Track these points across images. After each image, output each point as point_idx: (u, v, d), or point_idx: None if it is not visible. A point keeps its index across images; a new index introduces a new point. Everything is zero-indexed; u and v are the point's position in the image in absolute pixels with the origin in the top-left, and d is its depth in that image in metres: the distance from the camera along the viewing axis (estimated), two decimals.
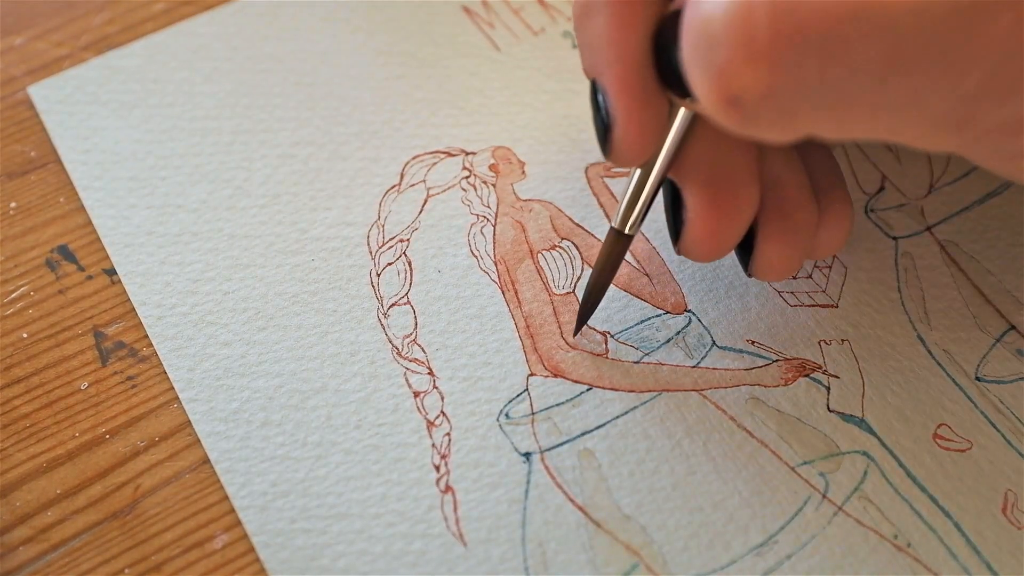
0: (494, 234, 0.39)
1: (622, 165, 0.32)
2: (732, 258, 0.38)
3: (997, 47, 0.24)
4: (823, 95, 0.25)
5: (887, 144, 0.41)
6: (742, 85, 0.25)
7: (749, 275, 0.35)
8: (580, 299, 0.37)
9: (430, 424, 0.35)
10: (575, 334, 0.37)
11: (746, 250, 0.34)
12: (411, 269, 0.39)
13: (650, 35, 0.29)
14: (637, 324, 0.37)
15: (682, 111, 0.31)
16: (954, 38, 0.24)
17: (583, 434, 0.35)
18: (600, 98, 0.30)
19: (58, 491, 0.35)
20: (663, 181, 0.33)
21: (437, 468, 0.35)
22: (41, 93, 0.43)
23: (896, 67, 0.24)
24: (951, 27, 0.23)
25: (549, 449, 0.35)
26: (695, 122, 0.31)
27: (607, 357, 0.36)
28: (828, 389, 0.36)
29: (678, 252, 0.34)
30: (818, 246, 0.35)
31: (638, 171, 0.33)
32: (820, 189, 0.34)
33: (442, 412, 0.36)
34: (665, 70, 0.29)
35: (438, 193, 0.40)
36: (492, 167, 0.41)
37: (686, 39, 0.26)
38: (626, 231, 0.34)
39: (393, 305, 0.38)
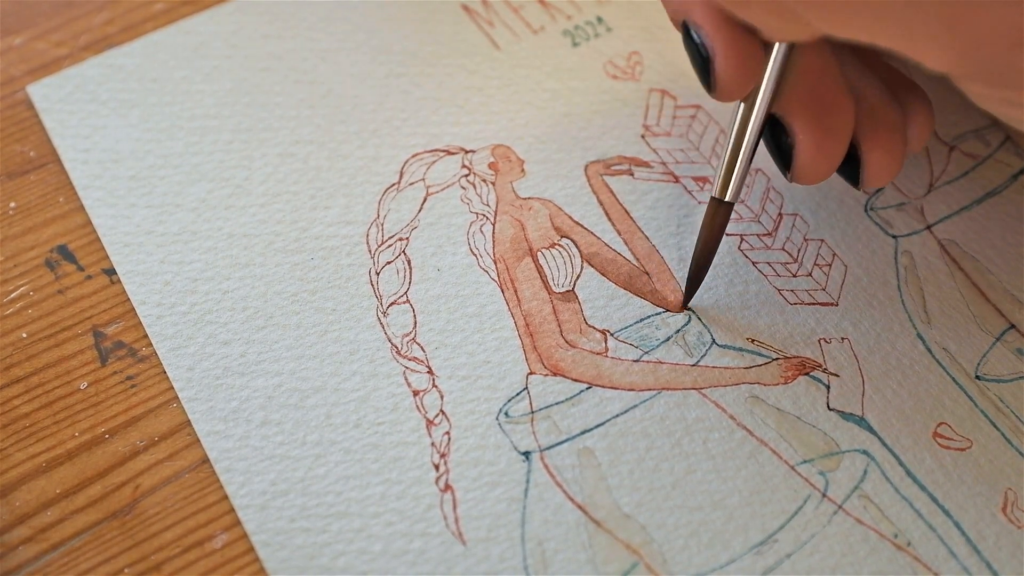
0: (493, 232, 0.39)
1: (726, 98, 0.33)
2: (732, 256, 0.38)
3: None
4: None
5: None
6: None
7: (860, 188, 0.36)
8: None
9: (429, 423, 0.35)
10: (684, 306, 0.38)
11: (849, 166, 0.35)
12: (410, 268, 0.39)
13: None
14: (637, 322, 0.37)
15: (776, 46, 0.32)
16: None
17: (582, 433, 0.35)
18: (695, 35, 0.32)
19: (58, 491, 0.35)
20: (762, 132, 0.34)
21: (436, 467, 0.35)
22: (40, 92, 0.43)
23: None
24: None
25: (548, 448, 0.35)
26: (791, 56, 0.33)
27: (607, 355, 0.36)
28: (828, 387, 0.36)
29: (791, 179, 0.35)
30: (909, 141, 0.36)
31: (732, 139, 0.35)
32: (894, 89, 0.36)
33: (441, 411, 0.36)
34: None
35: (437, 191, 0.40)
36: (491, 165, 0.41)
37: None
38: (727, 199, 0.36)
39: (392, 304, 0.38)
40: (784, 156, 0.35)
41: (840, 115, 0.34)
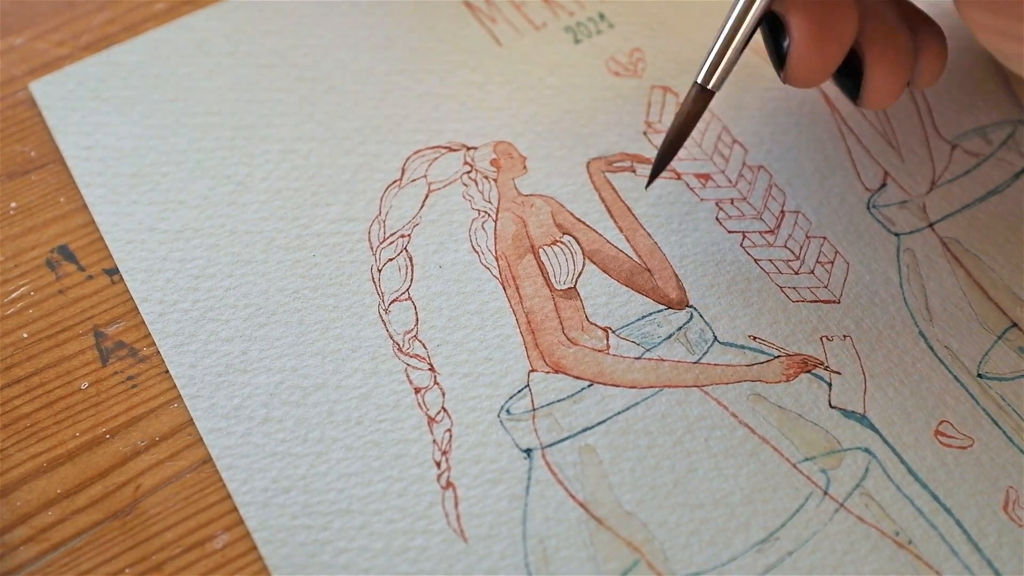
0: (495, 229, 0.39)
1: None
2: (734, 254, 0.38)
3: None
4: None
5: (889, 141, 0.41)
6: None
7: (858, 104, 0.36)
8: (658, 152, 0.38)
9: (431, 420, 0.35)
10: (647, 186, 0.39)
11: (849, 78, 0.36)
12: (412, 265, 0.39)
13: None
14: (638, 320, 0.37)
15: None
16: None
17: (584, 430, 0.35)
18: None
19: (58, 491, 0.35)
20: (759, 24, 0.35)
21: (438, 464, 0.35)
22: (42, 89, 0.43)
23: None
24: None
25: (550, 445, 0.35)
26: None
27: (608, 353, 0.36)
28: (830, 385, 0.36)
29: (785, 79, 0.35)
30: (920, 73, 0.36)
31: (730, 21, 0.35)
32: (910, 21, 0.36)
33: (443, 408, 0.36)
34: None
35: (439, 188, 0.40)
36: (493, 162, 0.41)
37: None
38: (710, 86, 0.36)
39: (394, 301, 0.38)
40: (780, 56, 0.35)
41: (841, 19, 0.34)
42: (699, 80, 0.36)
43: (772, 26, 0.35)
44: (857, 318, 0.37)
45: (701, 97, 0.36)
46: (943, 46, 0.36)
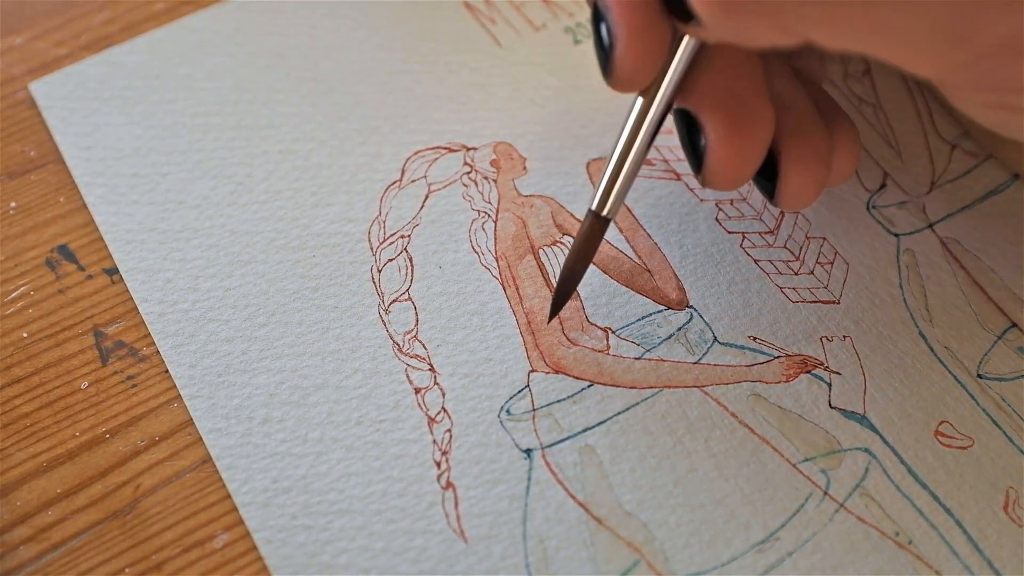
0: (495, 230, 0.39)
1: (623, 88, 0.31)
2: (733, 254, 0.38)
3: None
4: None
5: (889, 141, 0.41)
6: None
7: (775, 204, 0.34)
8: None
9: (431, 420, 0.35)
10: (548, 321, 0.37)
11: (768, 179, 0.33)
12: (412, 265, 0.39)
13: None
14: (638, 320, 0.37)
15: (685, 40, 0.31)
16: None
17: (584, 430, 0.35)
18: (601, 19, 0.31)
19: (58, 490, 0.35)
20: (655, 136, 0.33)
21: (438, 464, 0.35)
22: (42, 90, 0.43)
23: None
24: None
25: (550, 445, 0.35)
26: (700, 53, 0.31)
27: (608, 353, 0.36)
28: (830, 386, 0.36)
29: (703, 183, 0.33)
30: (832, 172, 0.34)
31: (622, 140, 0.33)
32: (826, 114, 0.34)
33: (443, 408, 0.36)
34: None
35: (439, 189, 0.40)
36: (493, 163, 0.41)
37: None
38: (604, 213, 0.34)
39: (394, 301, 0.38)
40: (698, 156, 0.33)
41: (758, 115, 0.32)
42: (593, 207, 0.34)
43: (687, 124, 0.33)
44: (857, 318, 0.37)
45: (597, 224, 0.34)
46: (856, 145, 0.34)
